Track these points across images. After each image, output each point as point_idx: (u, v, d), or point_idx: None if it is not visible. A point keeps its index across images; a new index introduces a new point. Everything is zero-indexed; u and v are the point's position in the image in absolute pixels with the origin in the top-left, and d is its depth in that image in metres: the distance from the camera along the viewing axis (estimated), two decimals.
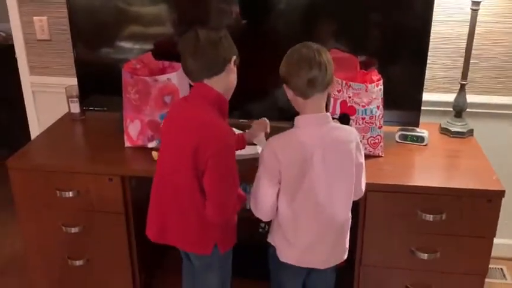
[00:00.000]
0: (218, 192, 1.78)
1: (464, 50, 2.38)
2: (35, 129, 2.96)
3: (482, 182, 2.04)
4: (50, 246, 2.33)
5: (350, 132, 1.86)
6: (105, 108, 2.53)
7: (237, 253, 2.02)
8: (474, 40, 2.34)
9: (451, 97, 2.48)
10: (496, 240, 2.07)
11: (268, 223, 2.00)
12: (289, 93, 1.81)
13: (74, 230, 2.26)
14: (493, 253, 2.10)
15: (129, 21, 2.41)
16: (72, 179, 2.19)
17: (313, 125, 1.80)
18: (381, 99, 2.17)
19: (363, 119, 2.18)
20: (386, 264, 2.16)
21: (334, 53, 2.12)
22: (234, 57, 1.81)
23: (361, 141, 1.92)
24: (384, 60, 2.28)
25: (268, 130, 2.14)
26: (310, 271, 1.97)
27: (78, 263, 2.33)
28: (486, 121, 2.56)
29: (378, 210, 2.07)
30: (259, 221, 1.95)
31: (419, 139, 2.34)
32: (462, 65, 2.40)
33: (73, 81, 2.55)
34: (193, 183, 1.78)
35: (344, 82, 2.14)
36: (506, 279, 2.74)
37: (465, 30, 2.36)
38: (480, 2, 2.26)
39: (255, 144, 2.19)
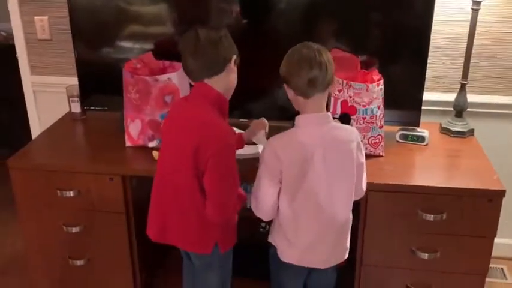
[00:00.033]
0: (218, 192, 1.78)
1: (464, 50, 2.38)
2: (36, 128, 2.96)
3: (482, 181, 2.04)
4: (50, 245, 2.33)
5: (351, 131, 1.86)
6: (106, 108, 2.53)
7: (237, 253, 2.02)
8: (474, 40, 2.34)
9: (451, 97, 2.48)
10: (496, 240, 2.07)
11: (269, 223, 2.00)
12: (290, 93, 1.81)
13: (74, 229, 2.26)
14: (494, 253, 2.10)
15: (130, 21, 2.42)
16: (72, 179, 2.19)
17: (314, 125, 1.80)
18: (381, 98, 2.17)
19: (364, 118, 2.18)
20: (387, 263, 2.16)
21: (334, 52, 2.12)
22: (235, 57, 1.81)
23: (361, 140, 1.92)
24: (385, 59, 2.28)
25: (267, 130, 2.14)
26: (310, 271, 1.97)
27: (79, 262, 2.34)
28: (487, 121, 2.56)
29: (379, 210, 2.07)
30: (259, 220, 1.95)
31: (420, 139, 2.34)
32: (462, 64, 2.40)
33: (74, 80, 2.55)
34: (194, 183, 1.78)
35: (345, 82, 2.14)
36: (506, 279, 2.74)
37: (465, 30, 2.36)
38: (481, 1, 2.26)
39: (255, 144, 2.19)
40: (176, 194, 1.83)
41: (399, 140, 2.37)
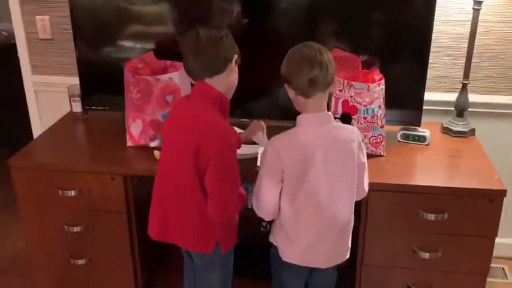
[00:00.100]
0: (219, 191, 1.79)
1: (465, 50, 2.38)
2: (37, 128, 2.96)
3: (484, 181, 2.04)
4: (52, 245, 2.34)
5: (352, 131, 1.86)
6: (107, 108, 2.53)
7: (238, 252, 2.02)
8: (475, 39, 2.34)
9: (452, 96, 2.48)
10: (497, 240, 2.07)
11: (270, 222, 2.01)
12: (291, 93, 1.81)
13: (76, 229, 2.27)
14: (495, 252, 2.10)
15: (131, 21, 2.42)
16: (74, 178, 2.19)
17: (315, 124, 1.80)
18: (382, 98, 2.17)
19: (365, 118, 2.18)
20: (388, 263, 2.16)
21: (335, 52, 2.12)
22: (235, 57, 1.81)
23: (363, 140, 1.92)
24: (386, 59, 2.28)
25: (265, 132, 2.15)
26: (312, 270, 1.97)
27: (80, 262, 2.34)
28: (488, 121, 2.56)
29: (380, 209, 2.07)
30: (260, 220, 1.96)
31: (421, 138, 2.34)
32: (463, 64, 2.40)
33: (75, 80, 2.55)
34: (195, 182, 1.78)
35: (346, 81, 2.14)
36: (507, 279, 2.74)
37: (466, 30, 2.36)
38: (482, 1, 2.25)
39: (255, 144, 2.20)
40: (177, 193, 1.83)
41: (400, 140, 2.37)
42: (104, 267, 2.35)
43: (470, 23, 2.32)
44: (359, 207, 2.03)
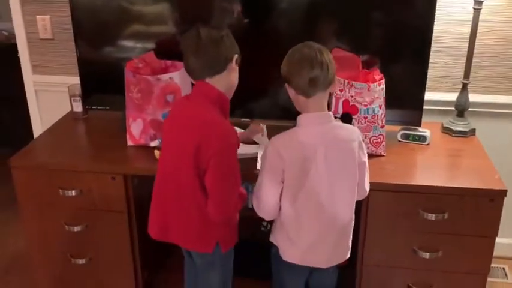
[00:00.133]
0: (220, 191, 1.79)
1: (465, 49, 2.38)
2: (38, 128, 2.97)
3: (484, 181, 2.04)
4: (52, 244, 2.34)
5: (352, 131, 1.86)
6: (108, 107, 2.53)
7: (238, 252, 2.02)
8: (476, 39, 2.34)
9: (453, 96, 2.48)
10: (498, 240, 2.07)
11: (270, 222, 2.01)
12: (291, 92, 1.81)
13: (76, 228, 2.27)
14: (495, 252, 2.10)
15: (132, 20, 2.42)
16: (74, 178, 2.19)
17: (315, 124, 1.80)
18: (383, 98, 2.17)
19: (365, 118, 2.18)
20: (388, 263, 2.16)
21: (336, 52, 2.12)
22: (236, 56, 1.81)
23: (363, 140, 1.92)
24: (386, 59, 2.28)
25: (265, 132, 2.15)
26: (312, 270, 1.97)
27: (80, 261, 2.34)
28: (488, 120, 2.56)
29: (380, 209, 2.07)
30: (261, 219, 1.96)
31: (422, 138, 2.34)
32: (464, 64, 2.40)
33: (75, 80, 2.56)
34: (195, 182, 1.78)
35: (346, 81, 2.14)
36: (508, 279, 2.74)
37: (467, 30, 2.36)
38: (483, 1, 2.25)
39: (256, 144, 2.20)
40: (177, 192, 1.83)
41: (401, 140, 2.37)
42: (104, 267, 2.35)
43: (470, 22, 2.32)
44: (359, 207, 2.03)
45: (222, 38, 1.77)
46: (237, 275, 2.08)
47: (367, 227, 2.11)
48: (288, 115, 1.99)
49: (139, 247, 2.33)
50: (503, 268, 2.79)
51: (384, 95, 2.17)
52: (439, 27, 2.39)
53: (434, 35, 2.25)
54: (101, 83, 2.51)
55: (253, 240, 2.35)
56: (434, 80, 2.53)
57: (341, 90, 2.16)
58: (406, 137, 2.36)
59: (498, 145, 2.50)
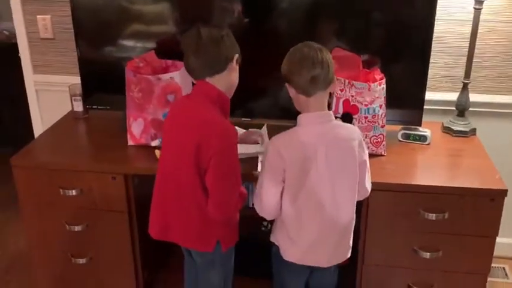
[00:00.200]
0: (220, 190, 1.79)
1: (466, 49, 2.38)
2: (38, 127, 2.97)
3: (484, 181, 2.04)
4: (53, 244, 2.34)
5: (352, 130, 1.86)
6: (108, 107, 2.53)
7: (239, 251, 2.02)
8: (476, 39, 2.34)
9: (453, 96, 2.48)
10: (498, 240, 2.07)
11: (271, 221, 2.01)
12: (292, 92, 1.81)
13: (77, 228, 2.27)
14: (496, 252, 2.10)
15: (132, 20, 2.42)
16: (75, 178, 2.19)
17: (316, 123, 1.80)
18: (383, 98, 2.17)
19: (366, 117, 2.18)
20: (388, 263, 2.16)
21: (336, 51, 2.13)
22: (236, 56, 1.81)
23: (363, 139, 1.92)
24: (387, 59, 2.28)
25: (266, 133, 2.16)
26: (313, 270, 1.97)
27: (81, 261, 2.34)
28: (489, 120, 2.56)
29: (381, 209, 2.07)
30: (261, 219, 1.96)
31: (422, 138, 2.34)
32: (464, 64, 2.40)
33: (76, 79, 2.56)
34: (195, 181, 1.78)
35: (347, 81, 2.14)
36: (508, 279, 2.74)
37: (467, 29, 2.36)
38: (483, 1, 2.25)
39: (257, 143, 2.20)
40: (178, 192, 1.83)
41: (401, 139, 2.37)
42: (104, 266, 2.35)
43: (471, 22, 2.32)
44: (360, 206, 2.03)
45: (222, 38, 1.77)
46: (237, 274, 2.09)
47: (368, 227, 2.11)
48: (288, 115, 1.99)
49: (140, 247, 2.33)
50: (504, 268, 2.79)
51: (385, 95, 2.17)
52: (440, 27, 2.39)
53: (434, 34, 2.25)
54: (102, 83, 2.51)
55: (254, 240, 2.35)
56: (434, 80, 2.53)
57: (342, 90, 2.16)
58: (407, 136, 2.36)
59: (499, 145, 2.50)
